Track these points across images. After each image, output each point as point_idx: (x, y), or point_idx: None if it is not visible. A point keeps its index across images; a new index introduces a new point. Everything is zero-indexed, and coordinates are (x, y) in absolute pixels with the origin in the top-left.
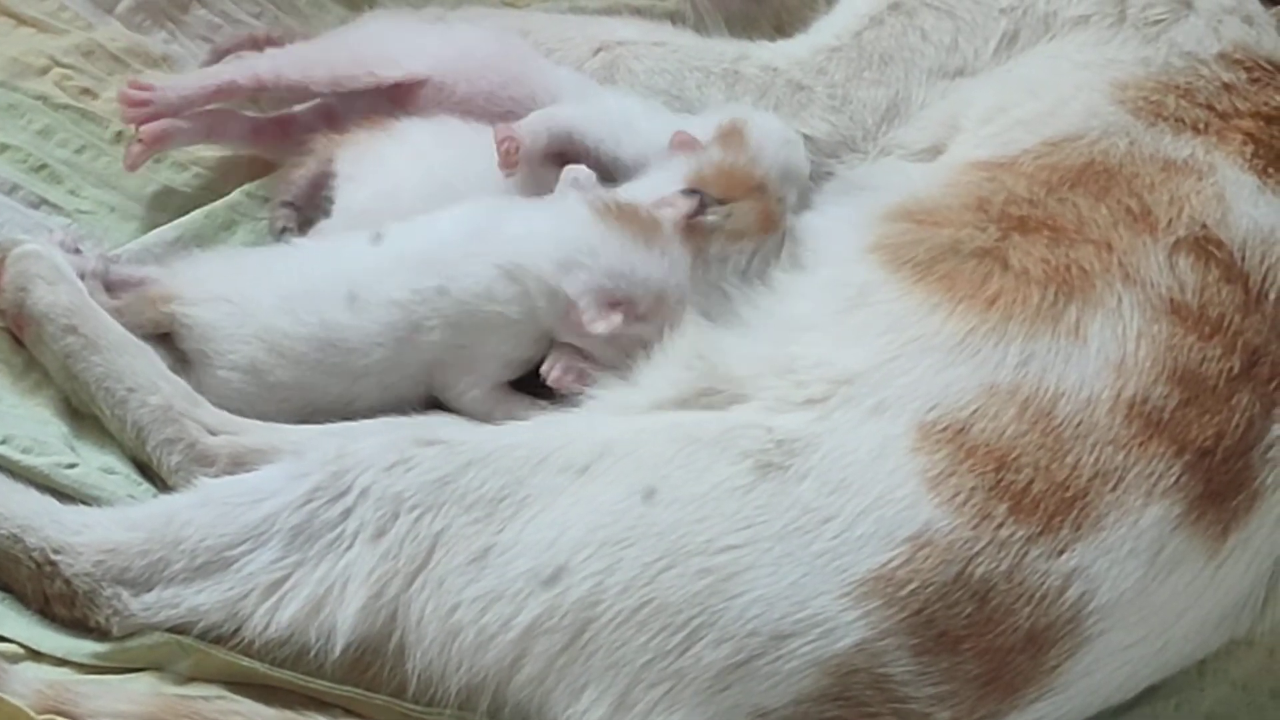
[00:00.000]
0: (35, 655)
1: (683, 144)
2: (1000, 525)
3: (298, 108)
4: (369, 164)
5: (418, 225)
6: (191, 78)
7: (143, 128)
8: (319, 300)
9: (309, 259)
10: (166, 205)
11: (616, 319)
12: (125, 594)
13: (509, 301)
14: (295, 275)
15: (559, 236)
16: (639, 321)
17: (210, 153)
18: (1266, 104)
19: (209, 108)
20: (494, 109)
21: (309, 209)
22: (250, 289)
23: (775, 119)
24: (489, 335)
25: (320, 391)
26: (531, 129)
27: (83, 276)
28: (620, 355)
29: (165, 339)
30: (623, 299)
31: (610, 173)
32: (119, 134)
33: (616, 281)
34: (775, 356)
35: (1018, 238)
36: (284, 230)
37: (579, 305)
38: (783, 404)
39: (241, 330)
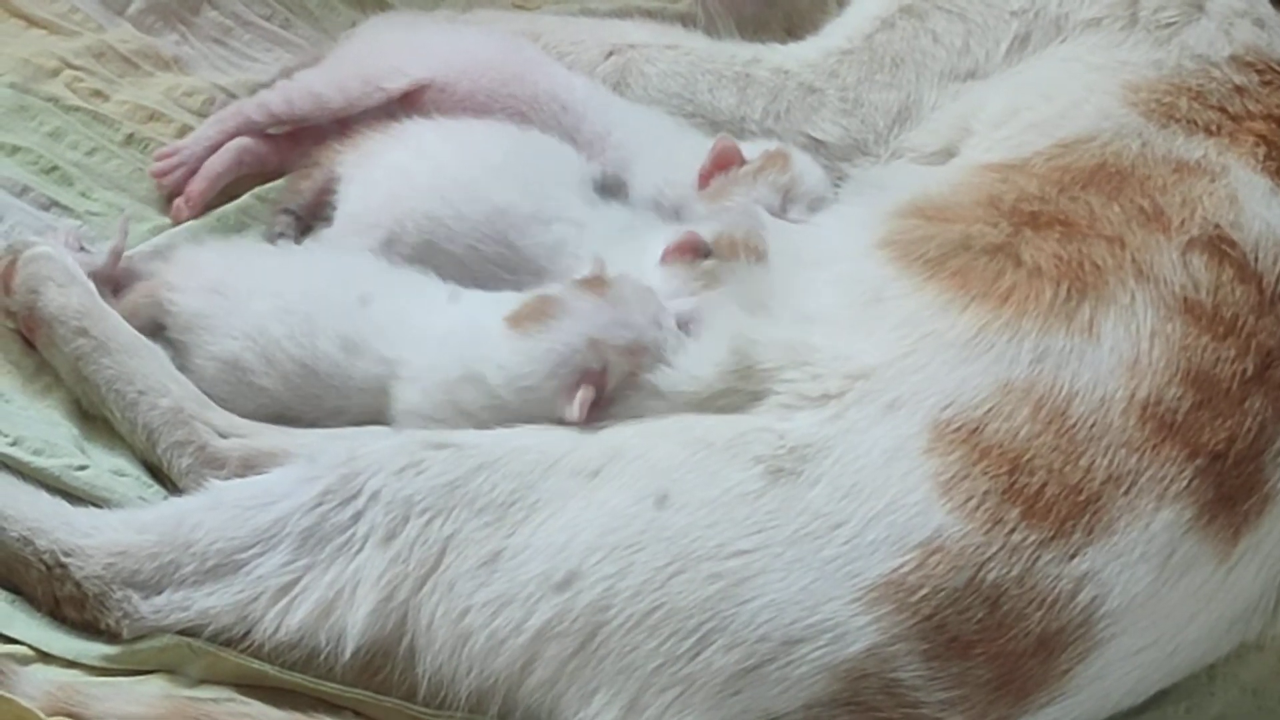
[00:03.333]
0: (45, 657)
1: (725, 149)
2: (1012, 530)
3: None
4: (372, 166)
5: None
6: (207, 125)
7: (187, 191)
8: (317, 327)
9: (319, 278)
10: None
11: (588, 394)
12: (135, 596)
13: (473, 401)
14: (301, 290)
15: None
16: (611, 373)
17: None
18: (1279, 106)
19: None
20: (495, 106)
21: (311, 218)
22: (249, 285)
23: (816, 165)
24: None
25: (295, 413)
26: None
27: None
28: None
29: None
30: (579, 374)
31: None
32: (129, 136)
33: (559, 372)
34: (795, 346)
35: (1029, 234)
36: (280, 236)
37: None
38: (799, 399)
39: (229, 324)
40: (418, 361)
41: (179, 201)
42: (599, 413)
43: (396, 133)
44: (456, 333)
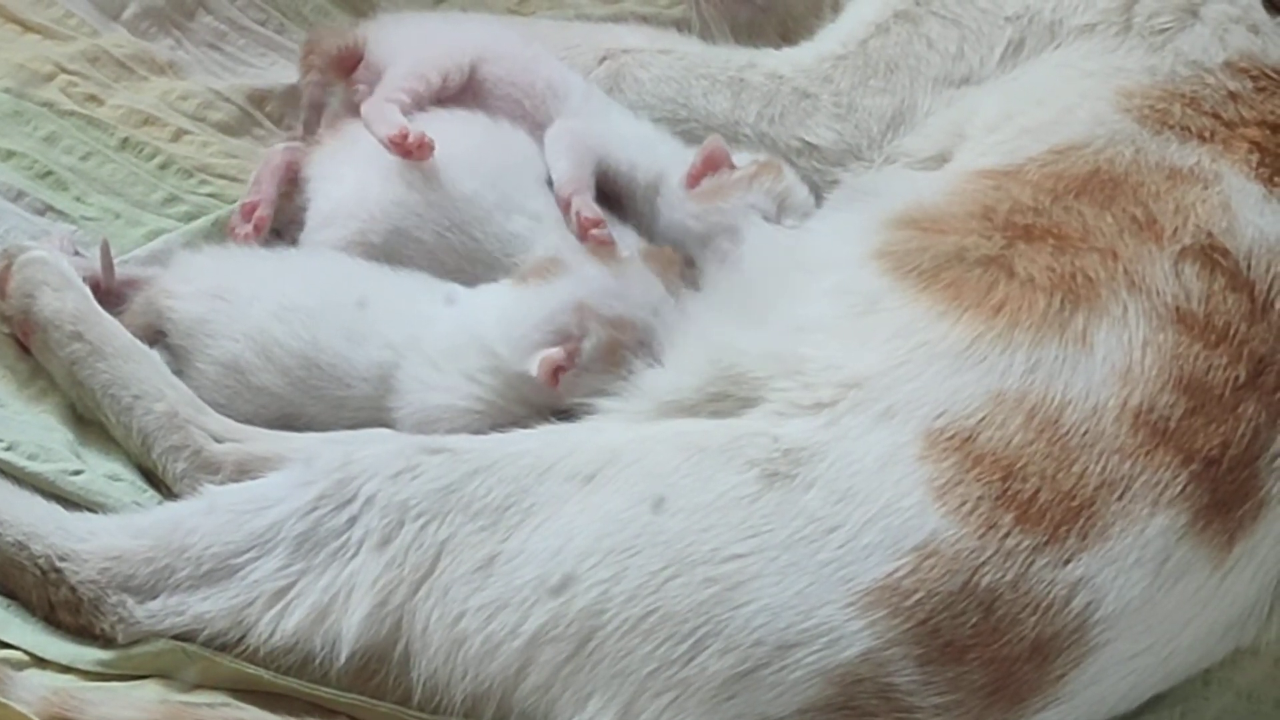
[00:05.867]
0: (40, 662)
1: (715, 151)
2: (1006, 535)
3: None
4: (340, 161)
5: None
6: (265, 178)
7: (256, 218)
8: (319, 319)
9: (322, 274)
10: (172, 212)
11: (555, 354)
12: (130, 601)
13: (478, 365)
14: (303, 286)
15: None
16: (585, 340)
17: (217, 160)
18: (1272, 113)
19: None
20: (497, 93)
21: (292, 230)
22: (249, 289)
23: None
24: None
25: (296, 408)
26: (581, 184)
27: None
28: (604, 376)
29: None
30: (556, 336)
31: (623, 194)
32: (124, 140)
33: (543, 327)
34: (785, 356)
35: (1023, 245)
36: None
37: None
38: (791, 408)
39: (231, 328)
40: (429, 334)
41: (245, 228)
42: (573, 387)
43: (362, 127)
44: (467, 312)
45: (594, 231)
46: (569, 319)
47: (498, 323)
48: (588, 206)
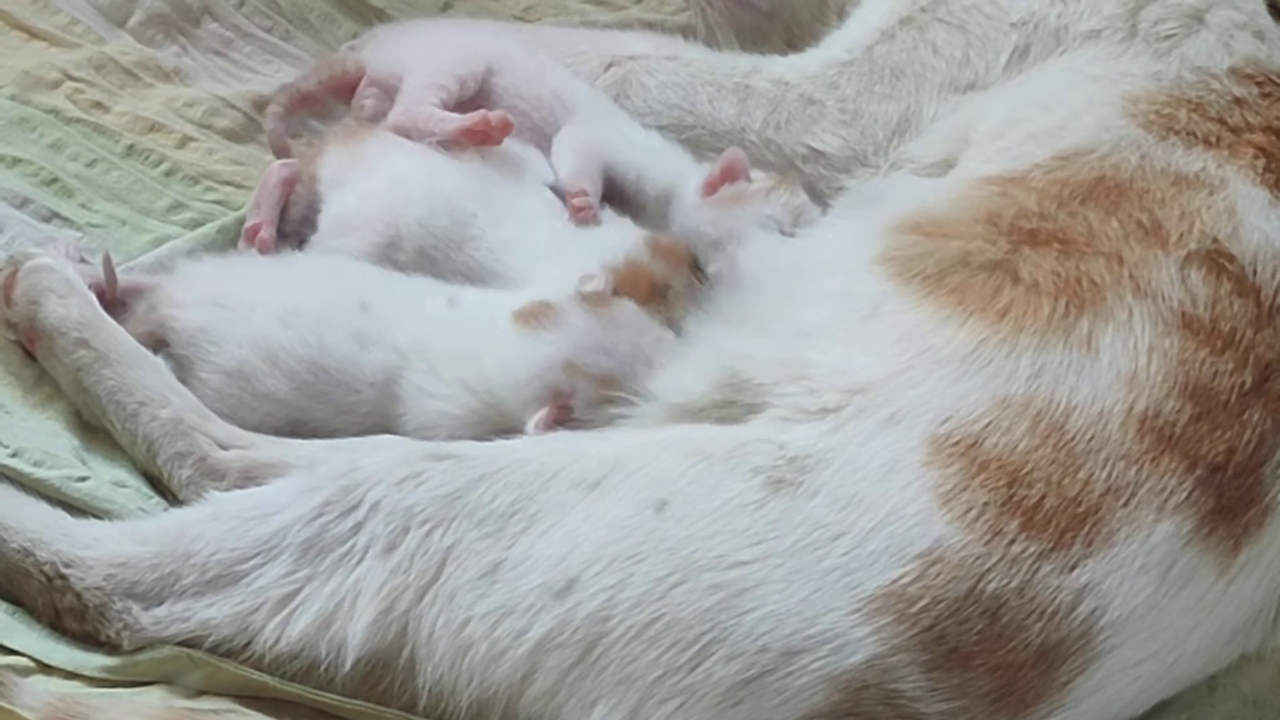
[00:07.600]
0: (46, 668)
1: (735, 161)
2: (1012, 541)
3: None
4: (367, 171)
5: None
6: (264, 199)
7: (257, 244)
8: (325, 323)
9: (325, 278)
10: (178, 219)
11: (546, 416)
12: (136, 608)
13: (477, 382)
14: (306, 290)
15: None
16: (578, 399)
17: (222, 167)
18: (1278, 118)
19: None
20: (502, 102)
21: (301, 230)
22: (252, 295)
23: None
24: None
25: (303, 413)
26: (587, 175)
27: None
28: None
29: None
30: (548, 392)
31: (630, 201)
32: (130, 147)
33: (533, 383)
34: (790, 362)
35: (1028, 250)
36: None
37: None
38: (796, 413)
39: (234, 334)
40: (432, 338)
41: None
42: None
43: (385, 137)
44: (470, 320)
45: (575, 200)
46: (558, 377)
47: (497, 364)
48: (577, 185)
